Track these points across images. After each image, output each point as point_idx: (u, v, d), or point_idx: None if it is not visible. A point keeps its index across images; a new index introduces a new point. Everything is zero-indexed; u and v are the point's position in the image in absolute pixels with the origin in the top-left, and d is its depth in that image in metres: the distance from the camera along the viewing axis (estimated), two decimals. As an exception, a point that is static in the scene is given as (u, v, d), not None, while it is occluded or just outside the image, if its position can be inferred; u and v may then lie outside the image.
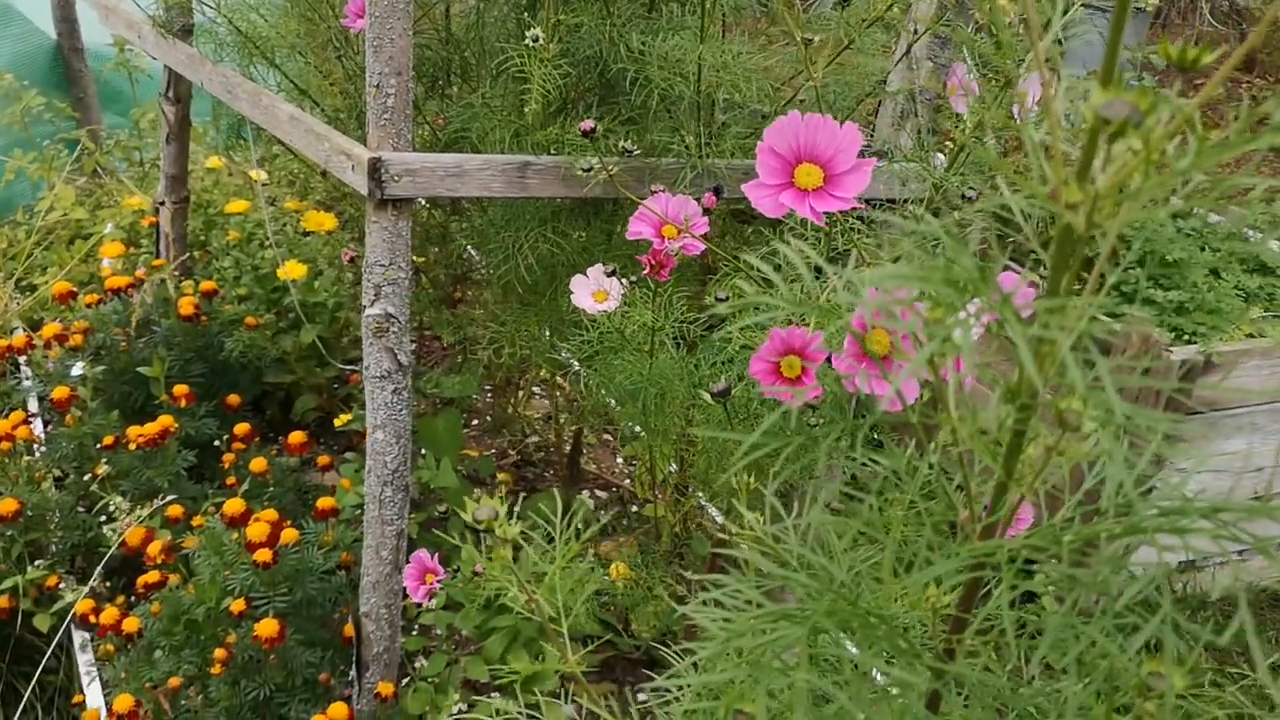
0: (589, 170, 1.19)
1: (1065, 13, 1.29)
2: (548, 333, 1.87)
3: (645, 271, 1.17)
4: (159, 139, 2.41)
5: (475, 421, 2.68)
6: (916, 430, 0.51)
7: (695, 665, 0.57)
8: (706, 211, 1.16)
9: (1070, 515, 0.49)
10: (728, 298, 1.09)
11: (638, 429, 1.98)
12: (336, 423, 2.18)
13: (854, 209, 0.80)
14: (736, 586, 0.49)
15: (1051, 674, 0.55)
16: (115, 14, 2.24)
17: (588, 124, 1.20)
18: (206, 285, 2.27)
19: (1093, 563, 0.46)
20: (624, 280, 1.33)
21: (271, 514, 1.68)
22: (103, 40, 3.20)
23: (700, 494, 1.95)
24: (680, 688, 0.61)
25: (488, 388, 2.73)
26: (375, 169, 1.40)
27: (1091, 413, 0.40)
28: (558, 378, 2.28)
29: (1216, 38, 5.30)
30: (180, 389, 2.03)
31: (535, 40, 1.44)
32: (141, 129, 3.21)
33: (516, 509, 0.75)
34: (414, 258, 1.86)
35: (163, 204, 2.41)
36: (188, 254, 2.48)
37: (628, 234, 1.15)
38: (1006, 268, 0.56)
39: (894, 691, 0.49)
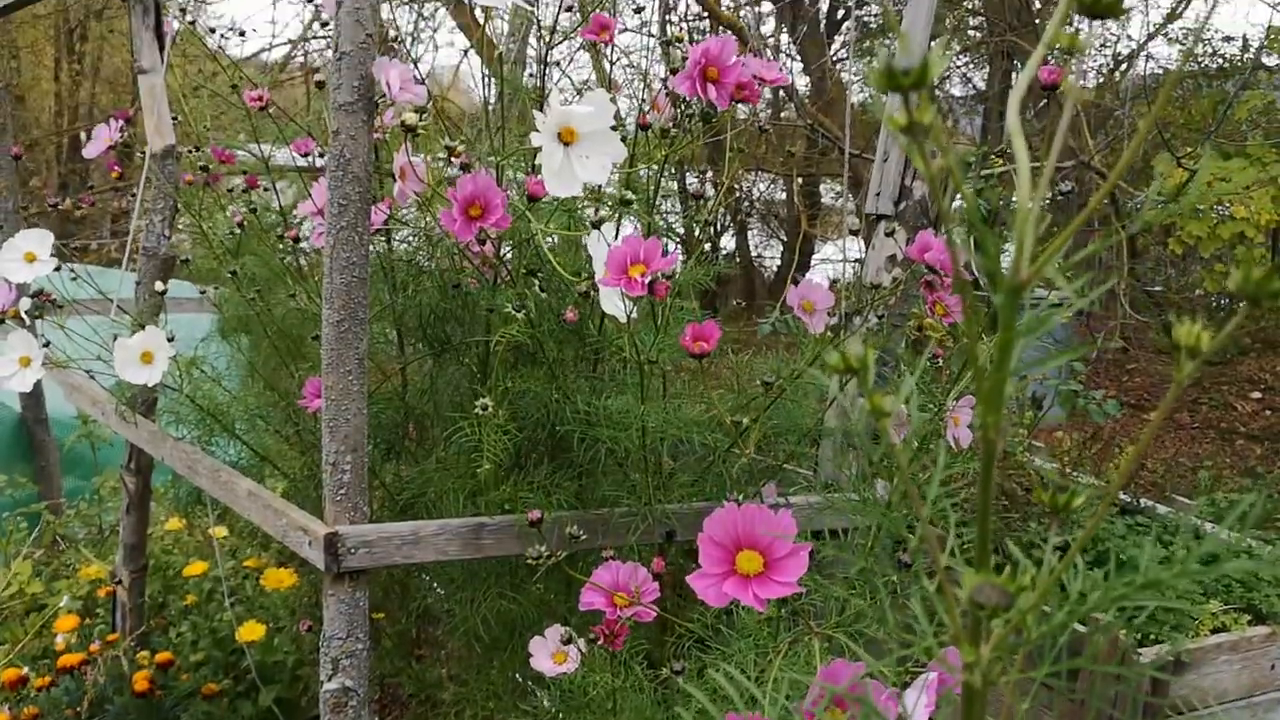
0: (538, 559, 1.22)
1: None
2: (516, 676, 1.84)
3: (599, 641, 1.18)
4: (119, 507, 2.43)
5: (444, 773, 2.57)
6: None
7: None
8: (656, 576, 1.18)
9: None
10: (683, 670, 1.10)
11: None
12: (296, 794, 2.08)
13: (796, 592, 0.83)
14: None
15: None
16: (80, 392, 2.32)
17: (535, 514, 1.25)
18: (162, 656, 2.23)
19: None
20: (582, 641, 1.33)
21: None
22: (67, 411, 3.29)
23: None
24: None
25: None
26: (332, 544, 1.43)
27: None
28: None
29: (1139, 327, 5.60)
30: (131, 772, 1.95)
31: (485, 409, 1.50)
32: (102, 495, 3.24)
33: None
34: (373, 614, 1.85)
35: (120, 582, 2.40)
36: (145, 625, 2.44)
37: (580, 605, 1.17)
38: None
39: None
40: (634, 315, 1.29)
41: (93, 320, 1.91)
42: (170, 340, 1.65)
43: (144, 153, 2.24)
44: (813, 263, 9.29)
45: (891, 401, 0.44)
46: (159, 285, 1.94)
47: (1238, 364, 5.49)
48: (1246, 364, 5.55)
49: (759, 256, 11.11)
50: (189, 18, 2.27)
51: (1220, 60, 7.30)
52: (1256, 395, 5.25)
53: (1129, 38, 7.72)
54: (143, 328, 1.67)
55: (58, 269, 1.70)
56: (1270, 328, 5.83)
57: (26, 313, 1.64)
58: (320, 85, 1.84)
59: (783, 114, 7.59)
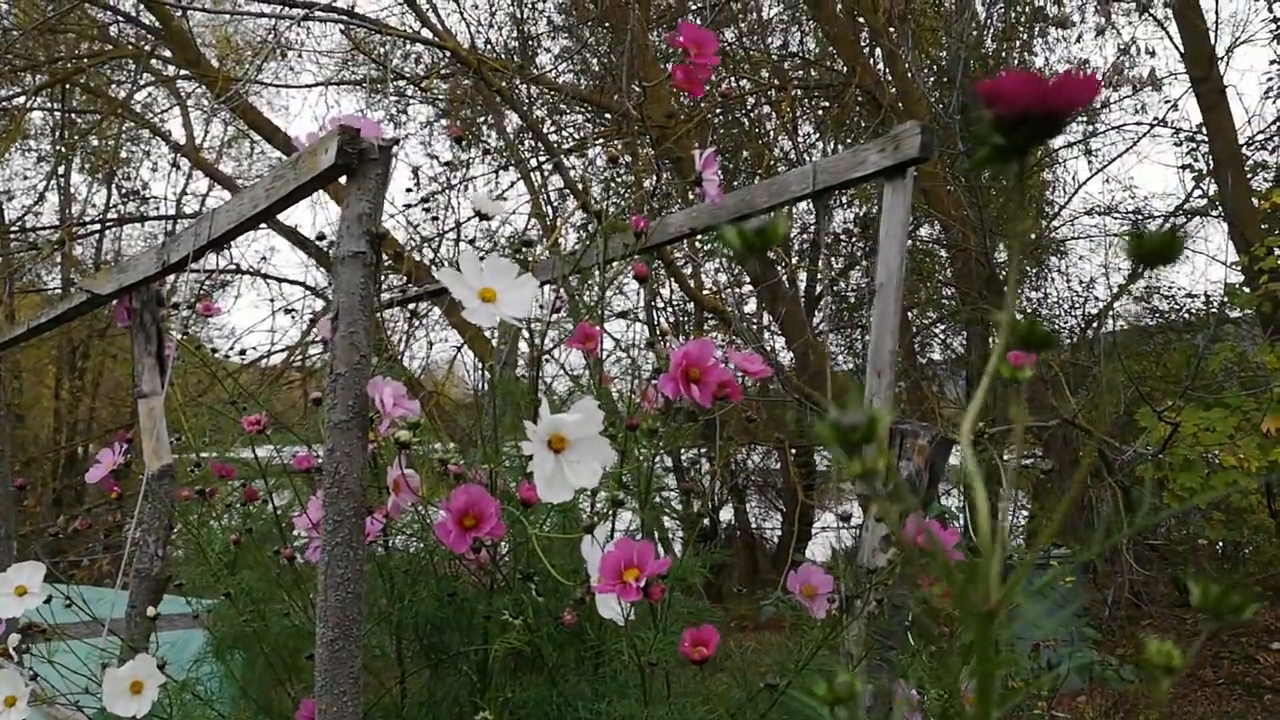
0: None
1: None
2: None
3: None
4: None
5: None
6: None
7: None
8: None
9: None
10: None
11: None
12: None
13: None
14: None
15: None
16: (66, 724, 2.24)
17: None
18: None
19: None
20: None
21: None
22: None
23: None
24: None
25: None
26: None
27: None
28: None
29: (1147, 581, 5.53)
30: None
31: (485, 721, 1.46)
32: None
33: None
34: None
35: None
36: None
37: None
38: None
39: None
40: (631, 617, 1.27)
41: (82, 650, 1.87)
42: (161, 668, 1.61)
43: (141, 473, 2.27)
44: (813, 531, 9.24)
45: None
46: (150, 610, 1.92)
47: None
48: (1261, 613, 5.43)
49: (759, 528, 11.03)
50: (191, 328, 2.37)
51: (1186, 315, 7.60)
52: (1277, 646, 5.11)
53: (1096, 299, 8.05)
54: (134, 653, 1.64)
55: (49, 600, 1.69)
56: (1278, 574, 5.75)
57: (15, 649, 1.61)
58: (317, 402, 1.89)
59: (771, 386, 7.77)
